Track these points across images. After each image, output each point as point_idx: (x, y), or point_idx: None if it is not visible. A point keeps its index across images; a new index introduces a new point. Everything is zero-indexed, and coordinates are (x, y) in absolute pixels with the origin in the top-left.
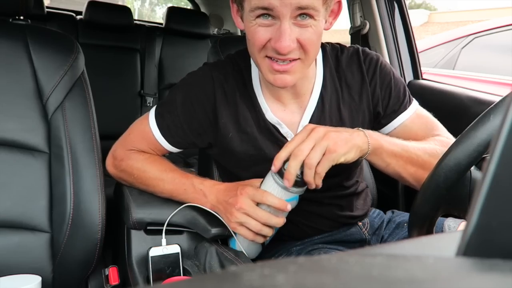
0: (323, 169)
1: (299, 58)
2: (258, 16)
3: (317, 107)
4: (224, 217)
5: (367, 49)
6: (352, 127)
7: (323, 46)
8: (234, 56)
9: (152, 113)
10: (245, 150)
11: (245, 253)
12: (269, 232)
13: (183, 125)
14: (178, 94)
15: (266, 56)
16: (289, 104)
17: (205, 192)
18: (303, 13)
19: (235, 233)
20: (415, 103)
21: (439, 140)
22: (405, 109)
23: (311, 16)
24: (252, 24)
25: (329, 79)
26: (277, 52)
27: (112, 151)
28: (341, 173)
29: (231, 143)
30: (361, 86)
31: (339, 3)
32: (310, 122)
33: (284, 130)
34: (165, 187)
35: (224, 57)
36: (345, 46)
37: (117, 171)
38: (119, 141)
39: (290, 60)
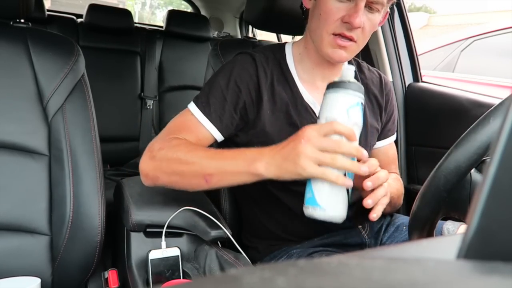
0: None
1: (356, 41)
2: None
3: None
4: (291, 167)
5: None
6: (374, 125)
7: None
8: (268, 46)
9: (192, 105)
10: (279, 129)
11: (329, 211)
12: (349, 165)
13: (230, 107)
14: (220, 78)
15: (332, 34)
16: (322, 89)
17: (254, 156)
18: (373, 3)
19: (309, 185)
20: (394, 135)
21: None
22: (392, 134)
23: (377, 9)
24: (331, 1)
25: (356, 77)
26: (347, 28)
27: (149, 146)
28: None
29: (269, 121)
30: (379, 95)
31: (387, 13)
32: None
33: (318, 109)
34: (211, 165)
35: (258, 48)
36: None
37: (154, 162)
38: (156, 138)
39: (350, 39)
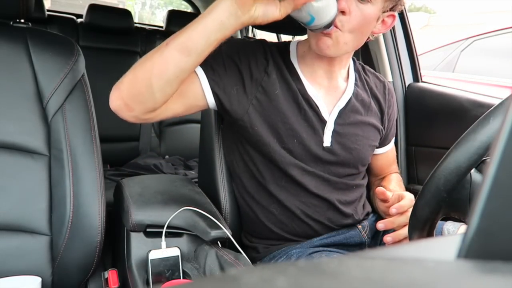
0: None
1: (340, 29)
2: None
3: (353, 95)
4: None
5: None
6: (375, 124)
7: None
8: (271, 43)
9: None
10: (287, 107)
11: (319, 16)
12: None
13: (225, 67)
14: (224, 45)
15: None
16: (325, 85)
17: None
18: None
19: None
20: (394, 138)
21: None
22: (392, 138)
23: (368, 0)
24: None
25: (359, 80)
26: None
27: None
28: (353, 165)
29: (276, 99)
30: (382, 100)
31: (394, 18)
32: (347, 105)
33: (321, 104)
34: (175, 34)
35: None
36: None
37: (121, 84)
38: None
39: (335, 26)
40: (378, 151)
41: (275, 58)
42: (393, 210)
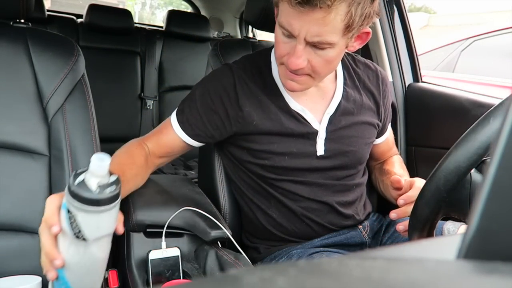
0: None
1: (308, 74)
2: (283, 31)
3: (343, 97)
4: None
5: None
6: (370, 121)
7: None
8: (252, 55)
9: (175, 111)
10: (270, 129)
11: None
12: (42, 261)
13: (202, 117)
14: (197, 88)
15: (282, 64)
16: (311, 93)
17: None
18: (318, 43)
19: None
20: (390, 123)
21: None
22: (389, 123)
23: (326, 47)
24: (278, 33)
25: (349, 78)
26: (288, 67)
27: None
28: (350, 166)
29: (256, 128)
30: (376, 92)
31: (368, 33)
32: (338, 109)
33: (308, 116)
34: None
35: (242, 57)
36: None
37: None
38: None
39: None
40: (377, 141)
41: (246, 83)
42: (401, 201)
